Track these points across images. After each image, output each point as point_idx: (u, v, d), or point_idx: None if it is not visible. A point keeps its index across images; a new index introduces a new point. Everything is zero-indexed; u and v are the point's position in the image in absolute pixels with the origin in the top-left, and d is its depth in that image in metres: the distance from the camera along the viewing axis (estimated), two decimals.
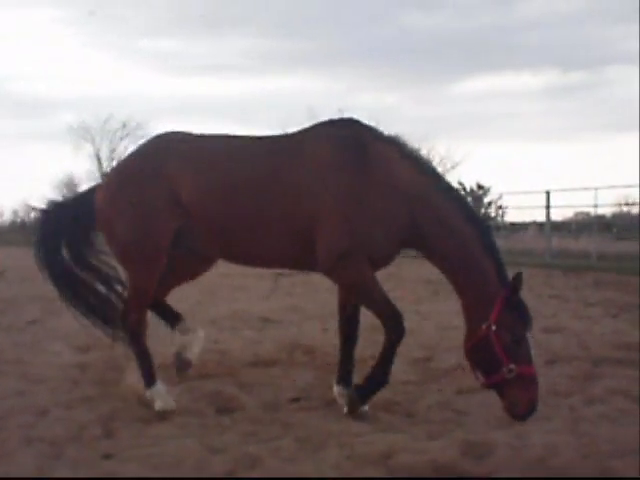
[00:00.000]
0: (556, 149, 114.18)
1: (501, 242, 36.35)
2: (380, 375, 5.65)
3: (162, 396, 5.73)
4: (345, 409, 5.71)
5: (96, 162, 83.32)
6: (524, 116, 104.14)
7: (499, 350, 5.41)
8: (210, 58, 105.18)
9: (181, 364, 6.34)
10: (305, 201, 5.62)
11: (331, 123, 5.98)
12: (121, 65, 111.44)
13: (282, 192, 5.68)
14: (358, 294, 5.81)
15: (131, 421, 5.53)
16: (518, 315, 5.51)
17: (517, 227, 42.80)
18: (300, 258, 5.83)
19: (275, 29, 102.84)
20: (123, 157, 6.28)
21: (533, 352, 5.54)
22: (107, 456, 4.77)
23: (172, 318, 6.51)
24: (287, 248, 5.77)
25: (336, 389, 5.97)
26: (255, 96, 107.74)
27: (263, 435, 5.18)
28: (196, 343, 6.38)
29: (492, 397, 6.26)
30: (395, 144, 5.86)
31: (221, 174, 5.81)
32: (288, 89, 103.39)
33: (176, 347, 6.36)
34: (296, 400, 6.12)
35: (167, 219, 5.80)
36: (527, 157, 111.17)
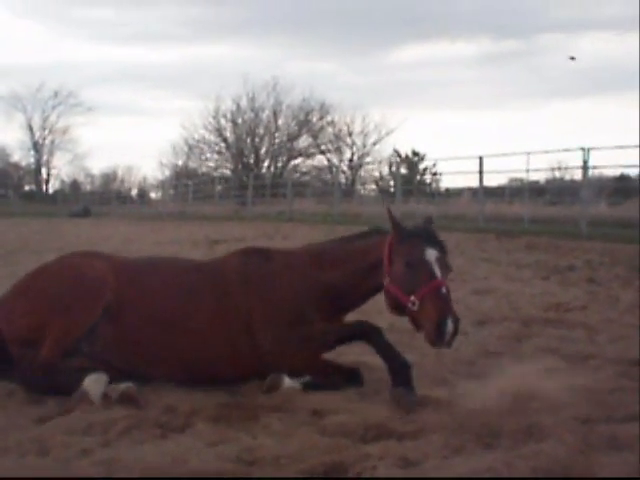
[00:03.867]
0: (489, 116, 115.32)
1: (436, 208, 36.64)
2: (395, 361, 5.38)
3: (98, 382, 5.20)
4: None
5: (28, 132, 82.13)
6: (458, 84, 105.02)
7: (396, 292, 5.35)
8: (142, 26, 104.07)
9: None
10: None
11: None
12: (52, 34, 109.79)
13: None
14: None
15: None
16: (409, 244, 5.42)
17: (451, 193, 43.08)
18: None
19: None
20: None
21: (441, 264, 5.35)
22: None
23: None
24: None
25: None
26: (189, 64, 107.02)
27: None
28: None
29: (424, 356, 6.33)
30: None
31: None
32: (222, 57, 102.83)
33: None
34: None
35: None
36: (461, 124, 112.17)
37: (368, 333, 5.52)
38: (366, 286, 5.77)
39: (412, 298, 5.21)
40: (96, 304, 5.49)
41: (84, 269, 5.68)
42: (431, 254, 5.36)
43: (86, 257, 5.97)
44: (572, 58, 36.70)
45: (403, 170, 56.03)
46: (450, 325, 5.02)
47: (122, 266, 5.85)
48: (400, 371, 5.25)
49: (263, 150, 67.51)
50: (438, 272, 5.29)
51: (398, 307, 5.41)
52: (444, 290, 5.21)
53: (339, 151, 68.48)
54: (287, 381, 5.35)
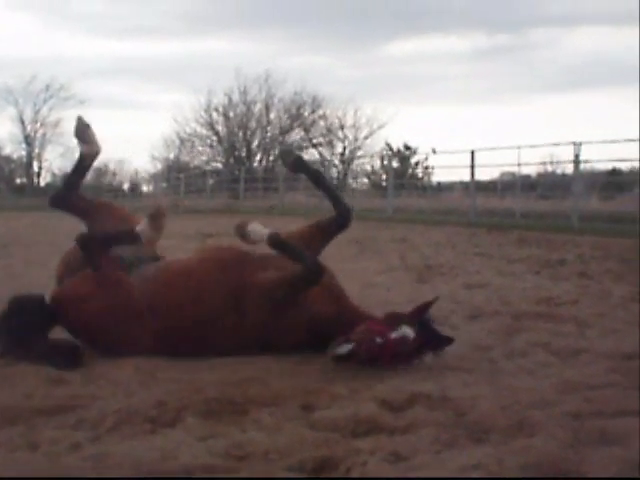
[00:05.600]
0: (482, 110, 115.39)
1: (427, 202, 36.65)
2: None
3: None
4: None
5: (20, 125, 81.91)
6: (451, 78, 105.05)
7: None
8: (135, 20, 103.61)
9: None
10: None
11: None
12: (44, 26, 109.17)
13: None
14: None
15: None
16: None
17: (443, 187, 43.09)
18: None
19: None
20: None
21: None
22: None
23: None
24: None
25: None
26: (181, 58, 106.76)
27: None
28: None
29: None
30: None
31: None
32: (214, 51, 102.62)
33: None
34: None
35: None
36: (453, 118, 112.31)
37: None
38: None
39: None
40: None
41: None
42: None
43: None
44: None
45: (395, 164, 55.98)
46: None
47: None
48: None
49: (255, 143, 67.59)
50: None
51: None
52: None
53: (331, 145, 68.57)
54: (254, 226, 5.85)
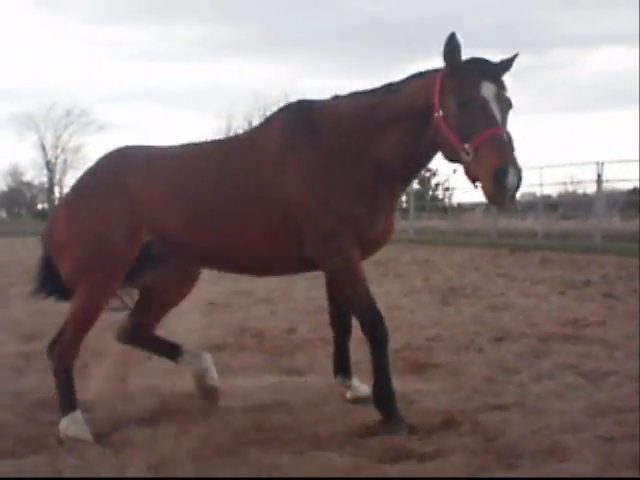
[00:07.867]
0: None
1: (449, 223, 36.56)
2: (383, 388, 4.89)
3: (78, 424, 4.94)
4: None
5: (41, 151, 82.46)
6: None
7: (449, 135, 4.56)
8: (155, 46, 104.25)
9: (208, 394, 5.64)
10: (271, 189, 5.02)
11: (279, 110, 5.36)
12: (65, 52, 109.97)
13: (245, 185, 5.09)
14: (340, 282, 5.07)
15: None
16: (463, 79, 4.59)
17: (464, 208, 42.95)
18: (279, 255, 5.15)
19: (218, 16, 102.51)
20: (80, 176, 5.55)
21: (500, 100, 4.56)
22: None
23: (170, 351, 5.83)
24: (263, 244, 5.08)
25: (337, 380, 5.61)
26: (202, 83, 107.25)
27: None
28: (209, 368, 5.68)
29: (440, 376, 6.26)
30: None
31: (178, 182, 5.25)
32: (235, 76, 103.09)
33: (192, 380, 5.74)
34: None
35: (127, 234, 5.16)
36: None
37: (373, 324, 4.95)
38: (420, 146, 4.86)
39: (466, 146, 4.45)
40: (119, 270, 5.18)
41: (109, 229, 5.17)
42: (488, 89, 4.54)
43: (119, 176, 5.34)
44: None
45: (415, 185, 55.90)
46: (511, 175, 4.28)
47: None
48: (381, 395, 4.89)
49: None
50: (497, 114, 4.49)
51: (453, 153, 4.62)
52: (504, 138, 4.44)
53: None
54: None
